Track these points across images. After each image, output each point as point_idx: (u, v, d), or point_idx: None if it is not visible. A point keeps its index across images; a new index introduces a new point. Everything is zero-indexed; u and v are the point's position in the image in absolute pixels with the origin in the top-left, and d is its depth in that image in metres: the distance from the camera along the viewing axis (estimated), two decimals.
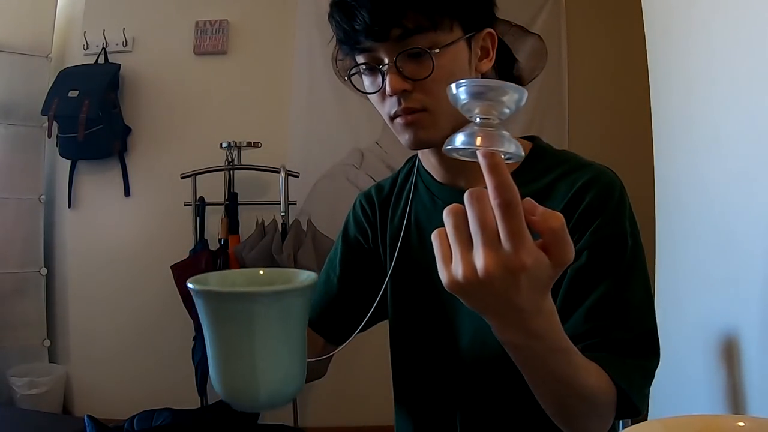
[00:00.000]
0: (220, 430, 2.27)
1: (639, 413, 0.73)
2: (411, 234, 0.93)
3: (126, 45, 3.03)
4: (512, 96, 0.47)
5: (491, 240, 0.48)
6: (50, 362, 3.00)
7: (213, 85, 3.06)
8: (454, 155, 0.51)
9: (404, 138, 0.81)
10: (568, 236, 0.49)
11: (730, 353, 1.23)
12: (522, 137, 0.89)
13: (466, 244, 0.49)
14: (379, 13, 0.74)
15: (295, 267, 2.48)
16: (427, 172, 0.93)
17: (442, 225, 0.87)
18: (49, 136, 2.85)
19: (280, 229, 2.60)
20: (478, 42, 0.82)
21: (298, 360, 0.60)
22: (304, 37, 3.00)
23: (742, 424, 0.46)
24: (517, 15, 2.89)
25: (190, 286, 0.55)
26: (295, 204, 2.78)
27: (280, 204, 2.60)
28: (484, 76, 0.85)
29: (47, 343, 2.97)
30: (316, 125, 2.99)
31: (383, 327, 0.98)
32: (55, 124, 2.81)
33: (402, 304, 0.93)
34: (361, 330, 0.97)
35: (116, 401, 2.83)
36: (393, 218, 0.96)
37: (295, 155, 2.93)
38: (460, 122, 0.79)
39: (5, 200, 2.90)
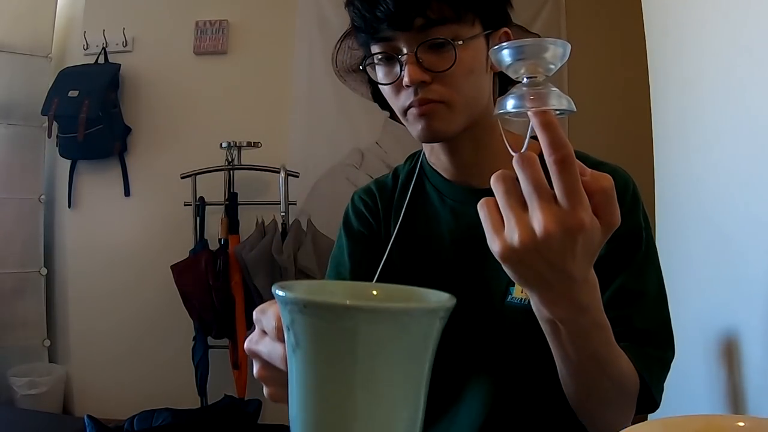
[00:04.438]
0: (220, 430, 2.27)
1: (656, 407, 0.73)
2: (418, 236, 0.89)
3: (126, 45, 3.03)
4: (555, 51, 0.47)
5: (548, 200, 0.46)
6: (50, 362, 3.00)
7: (213, 85, 3.05)
8: (506, 118, 0.50)
9: (417, 128, 0.79)
10: (617, 199, 0.48)
11: (730, 353, 1.23)
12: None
13: (521, 208, 0.47)
14: (404, 2, 0.73)
15: (295, 267, 2.49)
16: (435, 171, 0.90)
17: (452, 227, 0.87)
18: (49, 136, 2.85)
19: (280, 229, 2.60)
20: (494, 40, 0.81)
21: (418, 410, 0.42)
22: (304, 37, 2.99)
23: (742, 424, 0.46)
24: (517, 15, 2.87)
25: (280, 293, 0.40)
26: (295, 204, 2.78)
27: (280, 204, 2.60)
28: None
29: (47, 343, 2.97)
30: (316, 125, 2.98)
31: None
32: (55, 124, 2.81)
33: None
34: None
35: (116, 401, 2.83)
36: (396, 219, 0.92)
37: (295, 155, 2.93)
38: (475, 117, 0.80)
39: (5, 200, 2.90)
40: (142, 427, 2.17)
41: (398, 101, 0.79)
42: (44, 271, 2.97)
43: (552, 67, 0.48)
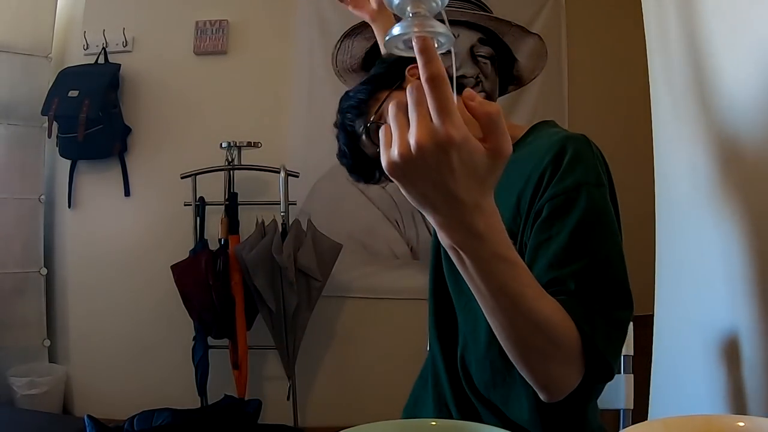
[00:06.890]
0: (220, 430, 2.27)
1: (610, 369, 0.70)
2: None
3: (126, 45, 3.03)
4: None
5: (423, 117, 0.51)
6: (50, 362, 3.00)
7: (213, 85, 3.06)
8: (395, 50, 0.54)
9: None
10: (505, 127, 0.52)
11: (730, 353, 1.23)
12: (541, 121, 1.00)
13: (404, 126, 0.52)
14: None
15: (295, 267, 2.49)
16: None
17: None
18: (49, 136, 2.85)
19: (280, 229, 2.60)
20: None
21: None
22: (304, 37, 2.99)
23: (742, 424, 0.46)
24: (517, 15, 2.89)
25: None
26: (295, 204, 2.78)
27: (280, 204, 2.60)
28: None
29: (47, 343, 2.97)
30: (316, 125, 2.98)
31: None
32: (55, 124, 2.81)
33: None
34: None
35: (116, 401, 2.83)
36: None
37: (295, 155, 2.93)
38: None
39: (5, 200, 2.90)
40: (142, 427, 2.17)
41: None
42: (44, 271, 2.97)
43: (434, 5, 0.52)
